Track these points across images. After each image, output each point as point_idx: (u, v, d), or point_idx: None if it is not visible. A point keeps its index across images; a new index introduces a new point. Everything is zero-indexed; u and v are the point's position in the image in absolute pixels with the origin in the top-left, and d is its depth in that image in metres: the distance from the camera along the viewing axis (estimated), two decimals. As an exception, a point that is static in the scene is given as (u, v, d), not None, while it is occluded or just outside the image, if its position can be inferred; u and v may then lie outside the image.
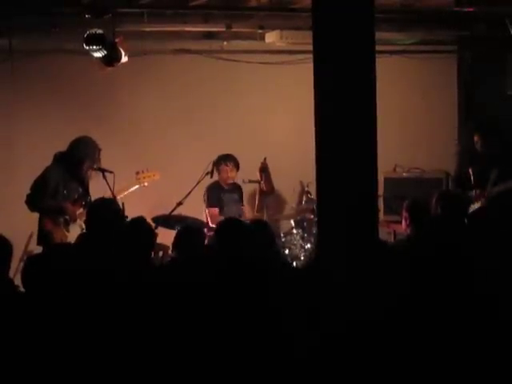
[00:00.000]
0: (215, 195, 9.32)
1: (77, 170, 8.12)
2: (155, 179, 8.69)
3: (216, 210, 9.26)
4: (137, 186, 8.61)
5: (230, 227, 6.12)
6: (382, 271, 4.93)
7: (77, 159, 8.10)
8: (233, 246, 5.82)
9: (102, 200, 7.11)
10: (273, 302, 4.78)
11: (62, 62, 9.31)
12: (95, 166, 8.08)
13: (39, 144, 8.84)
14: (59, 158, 8.14)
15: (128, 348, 4.59)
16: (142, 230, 6.12)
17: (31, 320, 4.59)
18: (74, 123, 8.93)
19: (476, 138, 9.03)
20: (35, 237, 8.17)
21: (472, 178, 8.97)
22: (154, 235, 6.36)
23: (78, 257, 5.37)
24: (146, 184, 8.63)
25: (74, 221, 8.07)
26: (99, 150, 8.16)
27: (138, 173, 8.57)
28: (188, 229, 6.62)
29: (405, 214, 6.90)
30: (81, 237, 6.75)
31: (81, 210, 8.13)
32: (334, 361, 4.32)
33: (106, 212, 6.64)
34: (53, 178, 8.04)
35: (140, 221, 6.22)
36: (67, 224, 8.07)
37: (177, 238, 6.28)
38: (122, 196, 8.17)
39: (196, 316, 4.75)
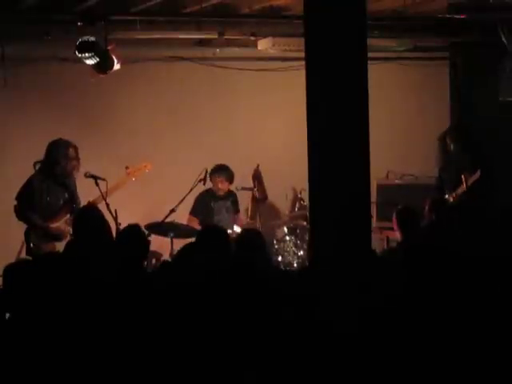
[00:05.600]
0: (203, 204, 9.32)
1: (56, 174, 8.12)
2: (146, 171, 8.58)
3: (195, 221, 9.25)
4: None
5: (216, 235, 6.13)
6: (375, 276, 4.94)
7: (52, 162, 8.10)
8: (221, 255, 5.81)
9: (87, 208, 7.09)
10: (263, 309, 4.77)
11: (54, 69, 9.31)
12: (88, 174, 8.05)
13: (33, 152, 8.80)
14: (39, 166, 8.15)
15: (120, 355, 4.58)
16: (136, 237, 6.11)
17: (16, 328, 4.59)
18: (67, 130, 8.91)
19: (448, 143, 9.17)
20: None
21: (444, 182, 9.09)
22: (148, 243, 6.34)
23: (63, 265, 5.35)
24: (133, 179, 8.48)
25: (65, 238, 7.97)
26: (74, 147, 8.13)
27: (127, 167, 8.46)
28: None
29: (394, 220, 7.01)
30: (68, 245, 6.67)
31: (68, 215, 8.10)
32: (331, 364, 4.33)
33: (92, 219, 6.57)
34: (35, 186, 8.04)
35: (135, 228, 6.21)
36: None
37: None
38: (116, 191, 8.11)
39: (183, 325, 4.73)
